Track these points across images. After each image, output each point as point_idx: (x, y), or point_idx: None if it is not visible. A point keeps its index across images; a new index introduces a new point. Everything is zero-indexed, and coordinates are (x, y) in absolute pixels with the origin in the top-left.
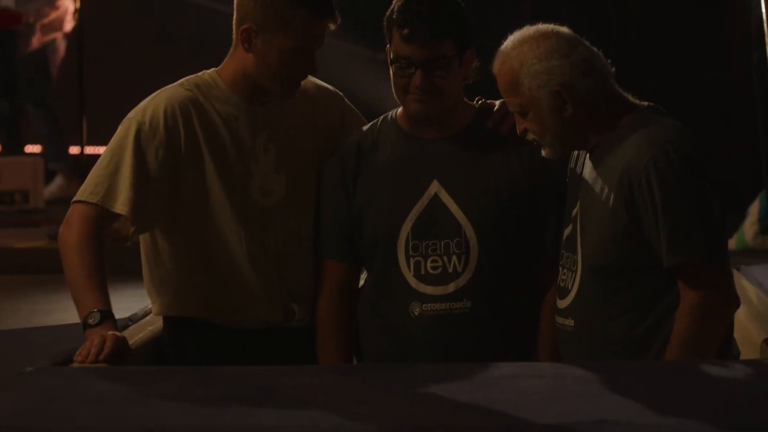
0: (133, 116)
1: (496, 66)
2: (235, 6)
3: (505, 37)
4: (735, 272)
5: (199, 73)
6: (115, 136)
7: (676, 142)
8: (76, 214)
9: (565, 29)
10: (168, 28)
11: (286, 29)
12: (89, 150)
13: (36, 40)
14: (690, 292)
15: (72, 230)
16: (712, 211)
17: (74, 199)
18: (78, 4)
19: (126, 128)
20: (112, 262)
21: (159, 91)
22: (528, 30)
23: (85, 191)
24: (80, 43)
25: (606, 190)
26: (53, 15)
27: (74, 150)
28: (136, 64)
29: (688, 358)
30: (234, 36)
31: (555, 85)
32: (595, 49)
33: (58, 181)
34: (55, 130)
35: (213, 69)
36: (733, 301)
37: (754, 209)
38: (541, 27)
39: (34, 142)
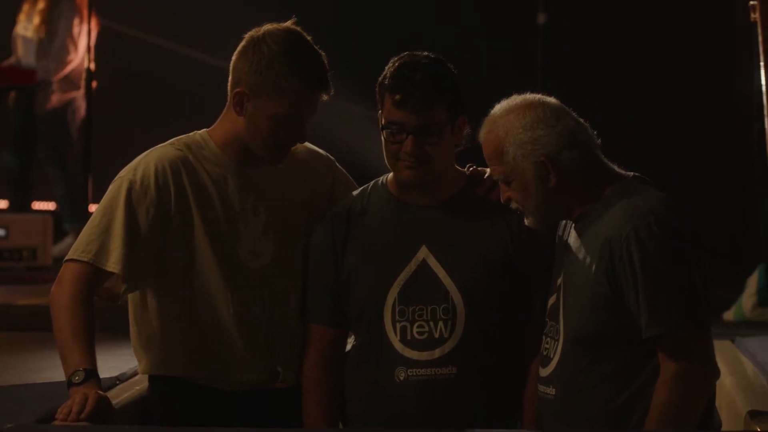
0: (124, 175)
1: (482, 134)
2: (230, 69)
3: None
4: (730, 344)
5: (191, 133)
6: (106, 194)
7: (658, 213)
8: (67, 272)
9: (552, 100)
10: (178, 87)
11: (278, 96)
12: (94, 208)
13: (56, 98)
14: (670, 364)
15: (63, 289)
16: (693, 283)
17: (66, 257)
18: (87, 64)
19: (117, 187)
20: (104, 320)
21: (150, 150)
22: (515, 99)
23: (77, 250)
24: (89, 102)
25: (589, 259)
26: (67, 70)
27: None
28: (145, 124)
29: (668, 429)
30: (228, 98)
31: (540, 155)
32: (581, 120)
33: (68, 240)
34: (72, 191)
35: (204, 129)
36: (713, 372)
37: (752, 281)
38: (529, 96)
39: (43, 199)
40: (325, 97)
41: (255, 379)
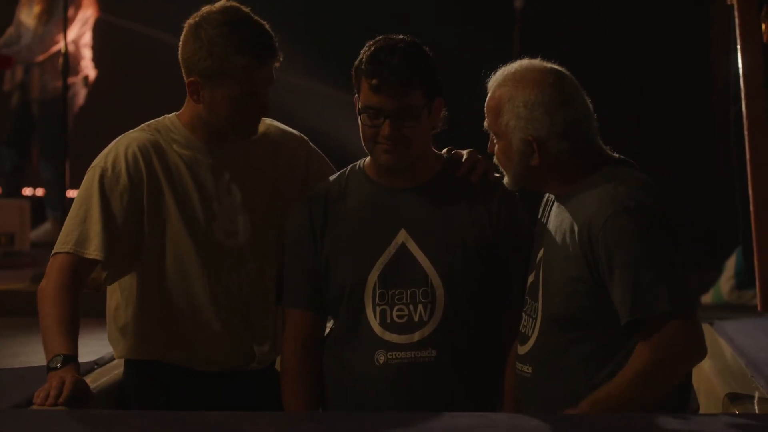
0: (97, 163)
1: (493, 83)
2: (180, 60)
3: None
4: (708, 327)
5: (160, 118)
6: (82, 184)
7: (638, 199)
8: (53, 265)
9: (570, 81)
10: (154, 71)
11: (228, 79)
12: (71, 194)
13: (52, 85)
14: (649, 345)
15: (49, 281)
16: (674, 265)
17: (52, 252)
18: (63, 49)
19: (91, 176)
20: (83, 305)
21: (121, 136)
22: (535, 67)
23: (60, 242)
24: (65, 86)
25: (568, 241)
26: (50, 52)
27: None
28: (120, 109)
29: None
30: None
31: (529, 134)
32: (589, 105)
33: (46, 225)
34: (60, 178)
35: (173, 113)
36: (698, 352)
37: (730, 264)
38: (548, 71)
39: (33, 185)
40: (277, 64)
41: (231, 360)
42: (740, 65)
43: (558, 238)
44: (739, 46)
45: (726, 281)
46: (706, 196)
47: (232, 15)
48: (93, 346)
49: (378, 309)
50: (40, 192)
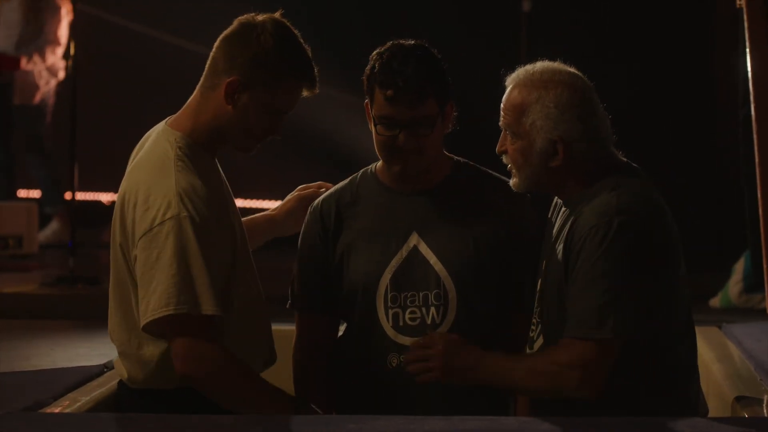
0: (175, 213)
1: (513, 81)
2: (219, 54)
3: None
4: (716, 330)
5: (169, 139)
6: (164, 238)
7: (629, 214)
8: (198, 347)
9: (590, 87)
10: (160, 74)
11: (275, 91)
12: (80, 196)
13: (40, 92)
14: (570, 354)
15: (211, 358)
16: (634, 295)
17: (160, 313)
18: (71, 51)
19: (176, 227)
20: (89, 308)
21: (169, 178)
22: (561, 69)
23: (171, 303)
24: (74, 89)
25: (561, 248)
26: (50, 60)
27: (66, 196)
28: (127, 111)
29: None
30: (203, 83)
31: (557, 134)
32: (605, 113)
33: (53, 226)
34: (52, 175)
35: (170, 127)
36: (585, 388)
37: (739, 267)
38: (574, 74)
39: (28, 187)
40: (307, 94)
41: (254, 366)
42: (749, 68)
43: (557, 246)
44: (748, 49)
45: (734, 284)
46: (711, 198)
47: (290, 32)
48: (102, 349)
49: (390, 312)
50: (35, 194)
